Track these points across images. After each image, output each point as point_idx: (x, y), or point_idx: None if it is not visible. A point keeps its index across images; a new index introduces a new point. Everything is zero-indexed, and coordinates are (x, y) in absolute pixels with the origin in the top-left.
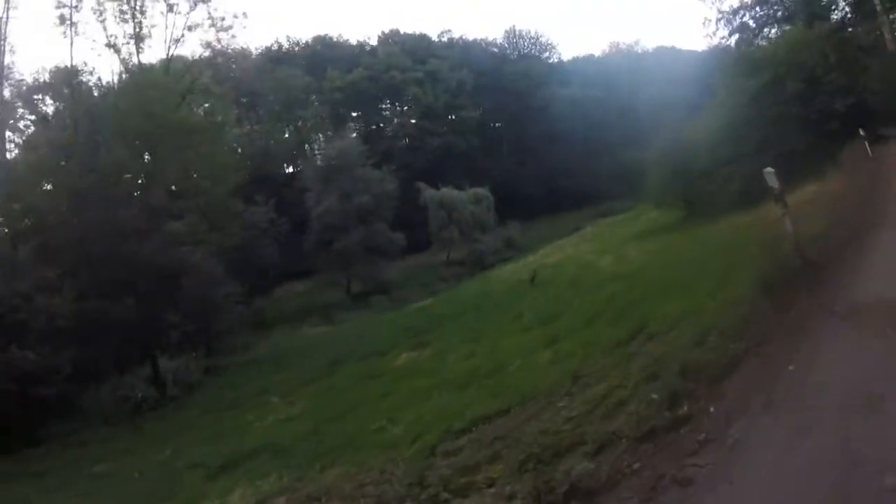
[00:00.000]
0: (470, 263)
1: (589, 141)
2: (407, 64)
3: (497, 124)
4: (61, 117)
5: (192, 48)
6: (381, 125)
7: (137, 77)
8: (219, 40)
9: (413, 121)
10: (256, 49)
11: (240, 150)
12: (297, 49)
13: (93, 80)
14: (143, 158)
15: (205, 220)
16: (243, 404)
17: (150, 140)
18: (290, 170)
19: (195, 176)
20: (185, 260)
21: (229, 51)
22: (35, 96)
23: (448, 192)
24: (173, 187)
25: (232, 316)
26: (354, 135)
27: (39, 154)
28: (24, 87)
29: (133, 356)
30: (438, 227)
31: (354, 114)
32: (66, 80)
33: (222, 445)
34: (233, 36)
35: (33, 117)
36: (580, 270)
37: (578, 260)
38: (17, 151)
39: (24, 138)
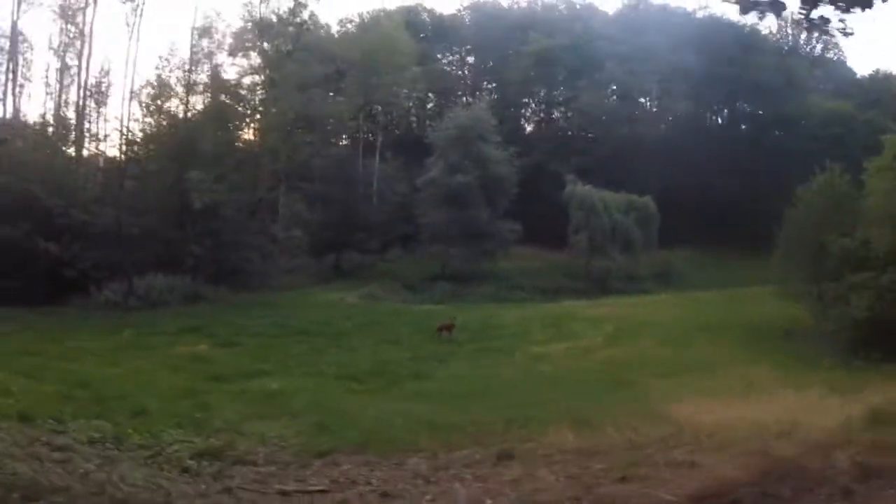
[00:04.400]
0: (589, 281)
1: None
2: (621, 36)
3: (718, 121)
4: None
5: None
6: (564, 101)
7: None
8: None
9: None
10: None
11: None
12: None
13: None
14: None
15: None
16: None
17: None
18: None
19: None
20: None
21: None
22: None
23: (592, 190)
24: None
25: (257, 257)
26: (485, 104)
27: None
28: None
29: (146, 266)
30: (574, 229)
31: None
32: None
33: None
34: None
35: None
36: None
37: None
38: None
39: None
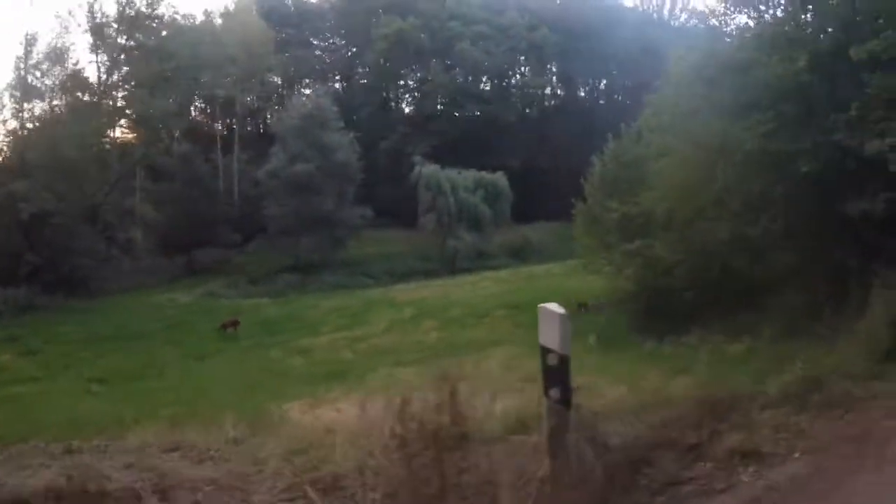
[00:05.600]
0: (440, 261)
1: None
2: (479, 15)
3: (583, 95)
4: None
5: None
6: (425, 82)
7: None
8: None
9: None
10: None
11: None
12: None
13: None
14: None
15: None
16: None
17: None
18: None
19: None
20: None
21: None
22: None
23: (438, 171)
24: None
25: (93, 262)
26: (324, 92)
27: None
28: None
29: None
30: (424, 210)
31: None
32: None
33: None
34: None
35: None
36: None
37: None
38: None
39: None
